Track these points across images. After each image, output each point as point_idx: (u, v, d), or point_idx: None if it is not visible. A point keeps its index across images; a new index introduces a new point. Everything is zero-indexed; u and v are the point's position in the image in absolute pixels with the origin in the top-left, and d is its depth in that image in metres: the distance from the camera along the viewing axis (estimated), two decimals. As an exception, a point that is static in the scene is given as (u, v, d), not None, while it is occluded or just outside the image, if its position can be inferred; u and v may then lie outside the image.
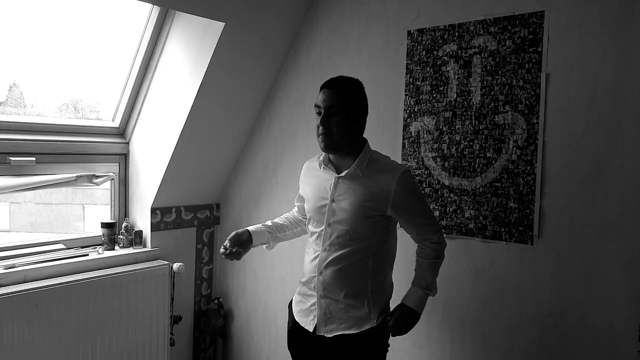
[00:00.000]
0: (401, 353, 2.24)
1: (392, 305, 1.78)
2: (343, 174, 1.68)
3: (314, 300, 1.73)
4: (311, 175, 1.82)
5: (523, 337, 1.93)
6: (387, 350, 1.80)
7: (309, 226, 1.81)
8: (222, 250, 1.79)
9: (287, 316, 1.88)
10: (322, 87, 1.68)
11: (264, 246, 1.94)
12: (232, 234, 1.82)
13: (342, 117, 1.62)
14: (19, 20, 2.30)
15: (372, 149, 1.75)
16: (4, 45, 2.29)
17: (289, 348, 1.86)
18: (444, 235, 1.78)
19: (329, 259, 1.69)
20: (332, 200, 1.70)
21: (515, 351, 1.95)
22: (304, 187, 1.87)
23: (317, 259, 1.73)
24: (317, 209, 1.74)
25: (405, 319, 1.70)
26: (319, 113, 1.65)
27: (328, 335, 1.70)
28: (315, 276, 1.73)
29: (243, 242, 1.83)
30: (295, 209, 2.03)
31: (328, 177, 1.73)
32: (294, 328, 1.80)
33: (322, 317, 1.72)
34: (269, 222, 1.97)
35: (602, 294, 1.76)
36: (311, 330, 1.73)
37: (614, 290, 1.74)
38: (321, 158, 1.76)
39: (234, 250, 1.77)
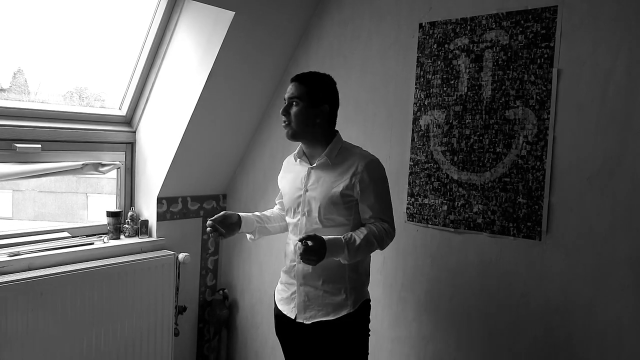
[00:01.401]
0: (407, 347, 2.25)
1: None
2: (315, 164, 1.80)
3: (295, 288, 1.82)
4: (288, 170, 1.94)
5: (529, 332, 1.94)
6: (369, 335, 1.85)
7: (287, 217, 1.90)
8: (208, 223, 1.82)
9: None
10: (290, 80, 1.81)
11: (248, 236, 1.99)
12: (221, 213, 1.86)
13: (301, 107, 1.75)
14: (24, 6, 2.28)
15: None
16: (9, 31, 2.27)
17: (276, 334, 1.95)
18: (393, 232, 1.77)
19: None
20: (306, 190, 1.80)
21: (522, 347, 1.96)
22: (281, 181, 1.97)
23: (295, 248, 1.76)
24: (293, 200, 1.84)
25: (317, 248, 1.59)
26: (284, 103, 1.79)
27: (307, 322, 1.79)
28: (295, 265, 1.81)
29: (230, 225, 1.86)
30: (277, 206, 2.07)
31: (302, 169, 1.85)
32: (278, 316, 1.90)
33: (302, 305, 1.80)
34: (257, 213, 2.02)
35: (610, 291, 1.76)
36: (293, 317, 1.82)
37: (621, 287, 1.74)
38: (296, 152, 1.88)
39: (211, 229, 1.82)
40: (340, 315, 1.74)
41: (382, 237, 1.72)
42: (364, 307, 1.80)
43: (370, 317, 1.85)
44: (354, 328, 1.78)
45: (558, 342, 1.88)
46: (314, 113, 1.76)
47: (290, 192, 1.87)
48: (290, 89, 1.78)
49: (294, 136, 1.78)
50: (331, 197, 1.73)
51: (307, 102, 1.75)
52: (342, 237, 1.67)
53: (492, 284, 2.02)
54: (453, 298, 2.12)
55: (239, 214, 1.92)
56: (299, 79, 1.79)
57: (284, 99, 1.80)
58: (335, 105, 1.84)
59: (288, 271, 1.86)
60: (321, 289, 1.76)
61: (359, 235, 1.68)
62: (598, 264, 1.79)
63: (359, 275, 1.80)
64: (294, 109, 1.76)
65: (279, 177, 2.00)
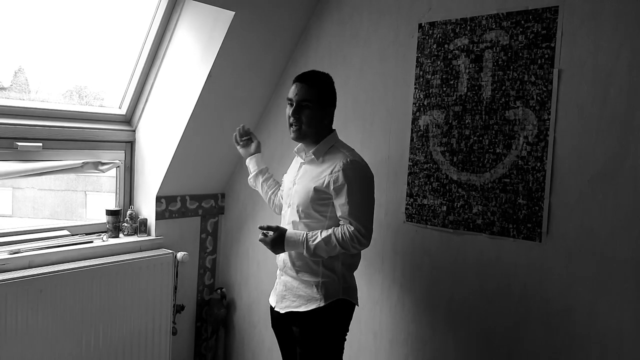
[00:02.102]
0: (405, 348, 2.24)
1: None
2: (305, 159, 1.88)
3: (278, 278, 1.95)
4: (292, 164, 2.04)
5: (529, 334, 1.93)
6: (344, 338, 1.89)
7: (282, 210, 2.00)
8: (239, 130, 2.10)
9: None
10: (295, 81, 1.84)
11: (251, 172, 2.17)
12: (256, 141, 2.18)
13: (313, 110, 1.79)
14: (24, 5, 2.28)
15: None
16: (10, 31, 2.27)
17: (272, 325, 2.05)
18: (365, 240, 1.76)
19: None
20: (294, 183, 1.90)
21: (521, 349, 1.94)
22: (285, 175, 2.07)
23: None
24: (286, 192, 1.95)
25: (273, 238, 1.79)
26: (291, 105, 1.82)
27: (282, 312, 1.88)
28: (280, 255, 1.90)
29: (250, 141, 2.17)
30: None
31: (297, 163, 1.95)
32: (271, 307, 1.99)
33: (281, 294, 1.90)
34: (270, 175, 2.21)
35: (610, 293, 1.75)
36: (273, 305, 1.94)
37: (622, 290, 1.73)
38: (297, 147, 1.94)
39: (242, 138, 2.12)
40: (310, 308, 1.80)
41: (345, 240, 1.73)
42: (338, 306, 1.82)
43: (350, 320, 1.89)
44: (324, 324, 1.81)
45: (558, 344, 1.86)
46: (323, 115, 1.83)
47: (286, 185, 1.97)
48: (298, 91, 1.80)
49: (303, 137, 1.84)
50: (308, 192, 1.79)
51: (318, 105, 1.80)
52: (303, 233, 1.78)
53: (491, 285, 2.01)
54: (452, 299, 2.11)
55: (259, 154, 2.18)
56: (308, 81, 1.81)
57: (290, 100, 1.82)
58: (335, 106, 1.91)
59: (277, 261, 1.95)
60: (297, 279, 1.84)
61: (321, 234, 1.75)
62: (599, 266, 1.78)
63: (335, 274, 1.82)
64: (306, 112, 1.79)
65: None
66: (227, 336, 2.99)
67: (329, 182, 1.76)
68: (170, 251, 2.61)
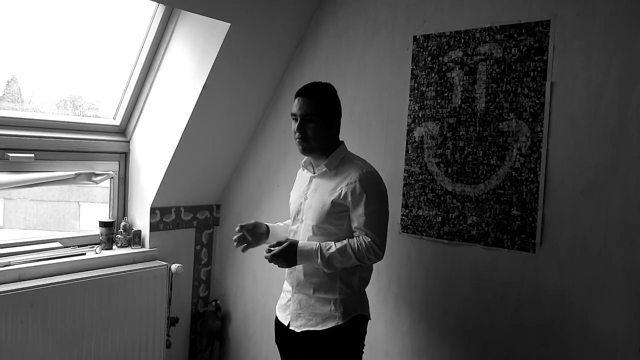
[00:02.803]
0: (400, 359, 2.23)
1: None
2: (316, 173, 1.83)
3: (291, 295, 1.85)
4: (298, 179, 1.99)
5: (524, 345, 1.93)
6: (362, 352, 1.84)
7: (291, 225, 1.92)
8: (237, 230, 1.88)
9: None
10: (296, 95, 1.82)
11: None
12: (252, 222, 1.92)
13: (317, 123, 1.77)
14: (18, 14, 2.28)
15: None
16: (2, 40, 2.26)
17: (275, 341, 1.96)
18: (381, 252, 1.72)
19: None
20: (305, 198, 1.84)
21: (515, 359, 1.95)
22: (292, 191, 2.00)
23: None
24: (295, 207, 1.89)
25: (285, 251, 1.72)
26: (295, 120, 1.80)
27: (297, 331, 1.80)
28: (292, 271, 1.84)
29: (259, 235, 1.92)
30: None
31: (307, 177, 1.89)
32: (276, 323, 1.93)
33: (294, 313, 1.82)
34: (280, 224, 2.04)
35: (604, 303, 1.77)
36: (286, 324, 1.85)
37: (616, 300, 1.74)
38: (303, 161, 1.91)
39: (239, 238, 1.88)
40: (328, 327, 1.74)
41: (361, 251, 1.69)
42: (356, 321, 1.78)
43: (366, 334, 1.84)
44: (343, 341, 1.76)
45: (552, 354, 1.87)
46: (329, 126, 1.80)
47: (294, 200, 1.92)
48: (301, 105, 1.78)
49: (310, 151, 1.81)
50: (324, 206, 1.75)
51: (323, 118, 1.78)
52: (316, 243, 1.72)
53: (486, 296, 2.02)
54: (447, 310, 2.11)
55: (267, 225, 1.98)
56: (309, 94, 1.79)
57: (294, 115, 1.81)
58: (340, 115, 1.88)
59: (287, 278, 1.88)
60: (313, 297, 1.78)
61: (336, 245, 1.70)
62: (592, 276, 1.79)
63: (351, 289, 1.78)
64: (311, 125, 1.77)
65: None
66: (221, 349, 2.96)
67: (346, 194, 1.72)
68: (165, 263, 2.59)
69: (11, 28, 2.28)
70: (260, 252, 2.78)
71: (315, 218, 1.77)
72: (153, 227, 2.63)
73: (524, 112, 1.93)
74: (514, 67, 1.95)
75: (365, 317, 1.83)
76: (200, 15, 2.24)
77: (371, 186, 1.73)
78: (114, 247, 2.58)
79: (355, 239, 1.72)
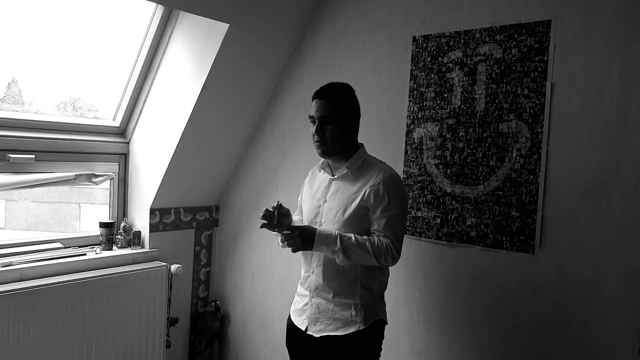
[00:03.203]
0: (399, 359, 2.23)
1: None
2: (336, 175, 1.79)
3: (307, 300, 1.81)
4: (312, 180, 1.93)
5: (522, 346, 1.92)
6: (380, 355, 1.82)
7: None
8: (270, 209, 1.74)
9: (285, 320, 1.94)
10: (314, 97, 1.77)
11: (279, 239, 1.87)
12: (277, 202, 1.77)
13: (335, 125, 1.73)
14: (18, 16, 2.28)
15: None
16: (3, 42, 2.27)
17: (286, 345, 1.92)
18: (397, 255, 1.67)
19: (320, 258, 1.75)
20: (325, 201, 1.80)
21: (515, 361, 1.94)
22: (303, 192, 1.96)
23: (310, 258, 1.80)
24: (312, 209, 1.84)
25: (302, 230, 1.67)
26: (314, 122, 1.76)
27: (316, 335, 1.76)
28: (309, 275, 1.81)
29: (284, 216, 1.77)
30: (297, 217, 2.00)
31: (324, 180, 1.84)
32: (290, 326, 1.88)
33: (312, 317, 1.78)
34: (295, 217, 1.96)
35: (603, 305, 1.76)
36: (303, 329, 1.80)
37: (615, 302, 1.73)
38: (320, 163, 1.87)
39: (269, 214, 1.73)
40: (349, 332, 1.71)
41: (380, 250, 1.64)
42: (376, 326, 1.75)
43: (383, 338, 1.82)
44: (363, 347, 1.73)
45: (551, 356, 1.86)
46: (347, 128, 1.76)
47: (310, 202, 1.87)
48: (318, 107, 1.73)
49: (329, 153, 1.77)
50: (347, 209, 1.71)
51: (341, 120, 1.73)
52: (335, 230, 1.68)
53: (485, 297, 2.01)
54: (446, 311, 2.11)
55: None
56: (326, 96, 1.74)
57: (312, 117, 1.76)
58: (359, 116, 1.83)
59: (303, 282, 1.85)
60: (332, 302, 1.74)
61: (355, 236, 1.65)
62: (591, 278, 1.78)
63: (372, 294, 1.75)
64: (329, 128, 1.72)
65: (302, 189, 1.99)
66: (221, 349, 2.97)
67: (368, 195, 1.68)
68: (164, 264, 2.59)
69: (12, 31, 2.28)
70: (258, 254, 2.79)
71: (336, 221, 1.73)
72: (153, 228, 2.63)
73: (523, 113, 1.92)
74: (514, 67, 1.94)
75: (384, 322, 1.81)
76: (199, 16, 2.24)
77: (394, 189, 1.70)
78: (114, 247, 2.59)
79: (374, 237, 1.67)
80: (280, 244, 1.83)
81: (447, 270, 2.11)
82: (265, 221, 1.74)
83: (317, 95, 1.77)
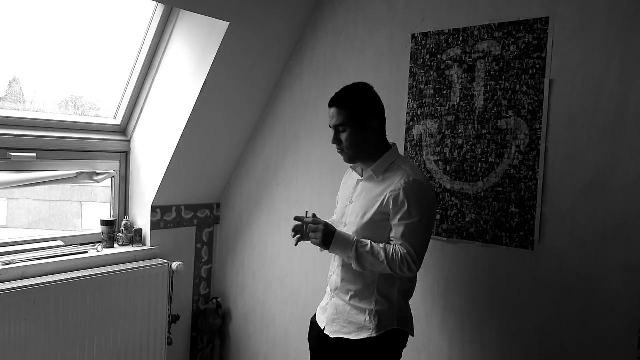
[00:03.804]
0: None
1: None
2: (363, 176, 1.76)
3: (329, 299, 1.82)
4: (348, 179, 1.90)
5: (522, 342, 1.93)
6: None
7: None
8: (306, 219, 1.71)
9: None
10: (329, 106, 1.73)
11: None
12: (313, 214, 1.72)
13: (351, 131, 1.69)
14: (20, 15, 2.29)
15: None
16: (4, 40, 2.28)
17: (308, 339, 1.94)
18: (415, 266, 1.60)
19: (341, 260, 1.74)
20: (351, 202, 1.78)
21: (514, 356, 1.95)
22: (339, 191, 1.94)
23: (334, 258, 1.80)
24: (341, 209, 1.84)
25: (323, 233, 1.63)
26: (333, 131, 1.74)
27: (331, 336, 1.76)
28: (331, 275, 1.81)
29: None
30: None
31: (354, 179, 1.82)
32: (313, 322, 1.90)
33: (331, 317, 1.78)
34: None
35: (602, 301, 1.77)
36: (322, 327, 1.81)
37: (613, 297, 1.74)
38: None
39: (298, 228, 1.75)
40: (361, 337, 1.68)
41: (394, 260, 1.59)
42: (391, 337, 1.69)
43: (402, 349, 1.78)
44: (374, 355, 1.69)
45: (551, 351, 1.87)
46: (364, 132, 1.69)
47: (341, 202, 1.87)
48: (332, 116, 1.70)
49: (352, 160, 1.74)
50: (366, 213, 1.68)
51: (354, 125, 1.68)
52: (354, 235, 1.66)
53: (484, 293, 2.02)
54: (446, 307, 2.12)
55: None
56: (337, 104, 1.70)
57: (330, 126, 1.73)
58: (382, 115, 1.75)
59: (328, 281, 1.84)
60: (348, 305, 1.72)
61: (372, 244, 1.62)
62: (590, 274, 1.79)
63: (389, 302, 1.70)
64: (343, 135, 1.69)
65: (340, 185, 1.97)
66: (222, 346, 2.98)
67: (388, 201, 1.63)
68: (166, 261, 2.60)
69: (13, 29, 2.29)
70: (259, 252, 2.80)
71: (356, 224, 1.70)
72: (154, 226, 2.64)
73: (522, 109, 1.93)
74: (512, 64, 1.95)
75: (404, 332, 1.74)
76: (199, 15, 2.24)
77: (415, 195, 1.62)
78: (116, 245, 2.60)
79: (392, 246, 1.63)
80: (296, 239, 1.76)
81: (447, 266, 2.12)
82: (298, 235, 1.75)
83: (330, 103, 1.72)
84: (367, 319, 1.68)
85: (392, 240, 1.65)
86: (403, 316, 1.73)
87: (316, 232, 1.66)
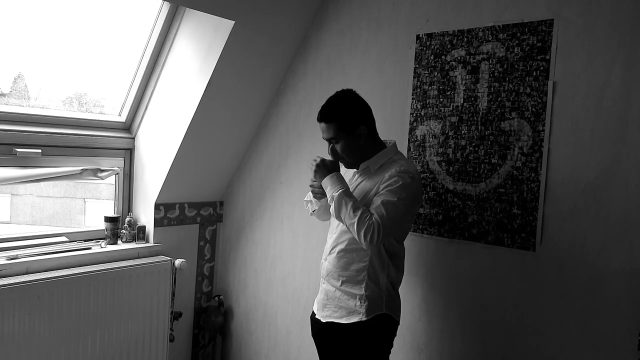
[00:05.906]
0: (400, 355, 2.24)
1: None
2: (360, 169, 1.86)
3: (320, 285, 1.91)
4: (345, 171, 1.97)
5: (522, 343, 1.94)
6: (388, 353, 1.84)
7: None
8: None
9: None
10: (317, 120, 1.82)
11: (315, 202, 1.98)
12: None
13: (343, 142, 1.79)
14: (25, 11, 2.31)
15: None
16: (10, 37, 2.29)
17: (312, 335, 1.99)
18: (377, 237, 1.63)
19: (333, 246, 1.85)
20: None
21: (514, 357, 1.96)
22: None
23: (326, 245, 1.90)
24: None
25: (327, 162, 1.81)
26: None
27: (323, 321, 1.85)
28: (323, 262, 1.90)
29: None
30: None
31: (351, 171, 1.92)
32: (312, 317, 1.97)
33: (321, 302, 1.87)
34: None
35: (603, 303, 1.77)
36: (315, 312, 1.91)
37: (614, 299, 1.75)
38: None
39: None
40: (352, 321, 1.76)
41: (364, 221, 1.63)
42: (381, 321, 1.77)
43: (393, 337, 1.85)
44: (365, 338, 1.77)
45: (551, 353, 1.88)
46: (356, 140, 1.78)
47: None
48: (323, 130, 1.80)
49: (352, 166, 1.86)
50: (361, 202, 1.75)
51: (344, 136, 1.77)
52: (348, 188, 1.75)
53: (486, 294, 2.03)
54: (447, 308, 2.12)
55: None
56: (324, 118, 1.78)
57: (324, 139, 1.84)
58: (369, 117, 1.83)
59: (321, 268, 1.93)
60: (339, 290, 1.80)
61: (355, 200, 1.71)
62: (591, 276, 1.79)
63: (378, 287, 1.78)
64: (338, 146, 1.79)
65: None
66: (224, 343, 2.99)
67: (379, 186, 1.73)
68: (168, 258, 2.62)
69: (18, 26, 2.31)
70: (261, 250, 2.81)
71: None
72: (157, 223, 2.66)
73: (525, 111, 1.93)
74: (516, 66, 1.96)
75: (392, 318, 1.81)
76: (204, 13, 2.26)
77: (402, 182, 1.70)
78: (119, 242, 2.61)
79: (368, 211, 1.68)
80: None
81: (449, 266, 2.12)
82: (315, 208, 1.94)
83: (318, 118, 1.81)
84: (357, 303, 1.76)
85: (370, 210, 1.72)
86: (391, 301, 1.82)
87: (322, 160, 1.80)
